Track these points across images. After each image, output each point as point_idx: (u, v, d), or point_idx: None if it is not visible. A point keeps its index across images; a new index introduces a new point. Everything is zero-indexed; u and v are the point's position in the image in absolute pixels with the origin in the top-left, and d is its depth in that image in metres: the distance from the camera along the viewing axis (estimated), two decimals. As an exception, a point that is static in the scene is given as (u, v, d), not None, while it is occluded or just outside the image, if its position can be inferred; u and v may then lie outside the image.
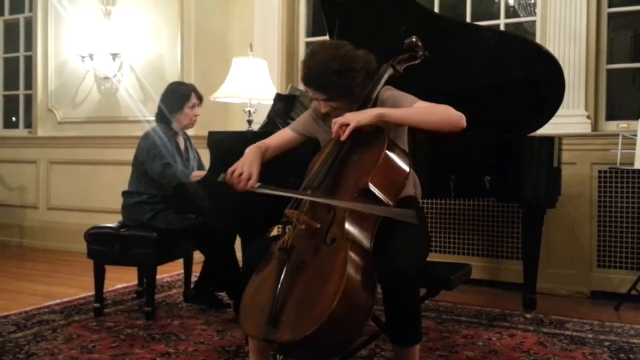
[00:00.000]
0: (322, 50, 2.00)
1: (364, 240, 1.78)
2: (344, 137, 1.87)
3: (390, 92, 2.06)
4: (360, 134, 1.89)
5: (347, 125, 1.86)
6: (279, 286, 1.66)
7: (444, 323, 3.08)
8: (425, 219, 2.41)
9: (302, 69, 2.03)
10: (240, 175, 1.96)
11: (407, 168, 1.92)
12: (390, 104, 2.02)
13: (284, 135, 2.24)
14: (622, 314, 3.34)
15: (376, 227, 1.84)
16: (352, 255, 1.67)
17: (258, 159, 2.03)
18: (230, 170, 2.00)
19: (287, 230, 1.83)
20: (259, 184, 1.96)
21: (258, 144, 2.14)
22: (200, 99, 3.34)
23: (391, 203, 1.85)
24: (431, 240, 4.02)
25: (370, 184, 1.81)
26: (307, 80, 2.01)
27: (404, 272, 1.77)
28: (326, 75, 1.95)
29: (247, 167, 1.98)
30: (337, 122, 1.90)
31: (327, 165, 1.91)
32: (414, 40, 2.15)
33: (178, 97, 3.27)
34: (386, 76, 2.08)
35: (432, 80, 2.50)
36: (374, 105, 2.04)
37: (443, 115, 1.92)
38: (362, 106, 2.02)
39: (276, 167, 2.16)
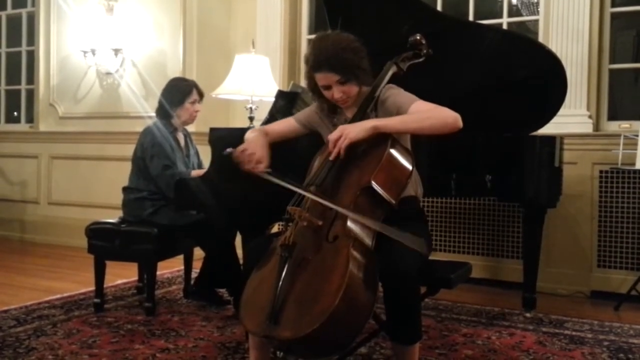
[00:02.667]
0: (327, 36, 2.03)
1: (366, 238, 1.78)
2: (340, 154, 1.85)
3: (391, 92, 2.06)
4: None
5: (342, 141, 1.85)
6: (280, 283, 1.65)
7: (443, 321, 3.08)
8: (427, 218, 2.41)
9: (311, 54, 2.01)
10: (252, 154, 1.94)
11: (409, 166, 1.91)
12: (389, 104, 2.01)
13: (286, 124, 2.24)
14: (621, 314, 3.34)
15: None
16: (354, 253, 1.66)
17: (267, 144, 2.02)
18: (240, 147, 1.97)
19: (288, 227, 1.83)
20: (268, 170, 1.94)
21: (259, 127, 2.12)
22: (201, 95, 3.34)
23: (393, 201, 1.85)
24: (434, 242, 4.03)
25: (373, 182, 1.80)
26: (318, 62, 1.98)
27: (406, 271, 1.77)
28: (337, 53, 1.95)
29: (258, 148, 1.96)
30: (331, 140, 1.87)
31: (330, 162, 1.91)
32: (418, 37, 2.14)
33: (179, 92, 3.27)
34: (389, 73, 2.07)
35: (433, 79, 2.50)
36: (376, 104, 2.04)
37: (437, 118, 1.90)
38: (365, 103, 2.02)
39: (275, 163, 2.15)
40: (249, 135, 2.12)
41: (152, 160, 3.14)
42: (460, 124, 1.91)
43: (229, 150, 1.97)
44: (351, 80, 1.99)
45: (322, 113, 2.20)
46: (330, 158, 1.88)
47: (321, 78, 2.01)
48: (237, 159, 1.96)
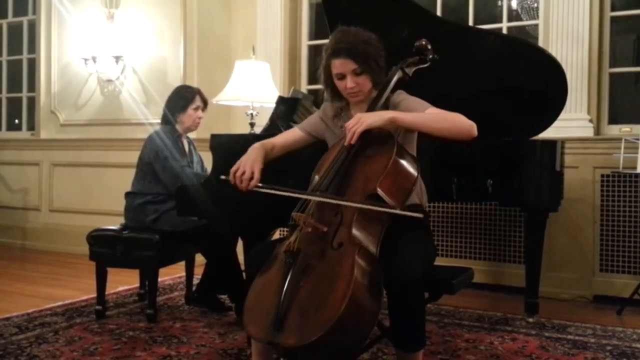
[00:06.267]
0: (350, 29, 2.06)
1: (371, 245, 1.78)
2: (353, 140, 1.87)
3: (403, 97, 2.06)
4: (369, 137, 1.89)
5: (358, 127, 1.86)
6: (284, 289, 1.65)
7: (445, 327, 3.08)
8: (430, 226, 2.41)
9: (331, 42, 2.03)
10: (242, 174, 1.97)
11: (415, 173, 1.91)
12: (401, 108, 2.01)
13: (291, 134, 2.24)
14: (624, 318, 3.33)
15: (383, 232, 1.83)
16: (359, 260, 1.66)
17: (260, 158, 2.03)
18: (233, 169, 2.00)
19: (293, 233, 1.83)
20: (260, 184, 1.96)
21: (263, 142, 2.14)
22: (204, 102, 3.36)
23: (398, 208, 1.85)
24: (437, 248, 4.02)
25: (378, 189, 1.80)
26: (338, 49, 1.99)
27: (411, 279, 1.76)
28: (358, 43, 1.99)
29: (248, 166, 1.98)
30: (347, 127, 1.89)
31: (335, 167, 1.90)
32: (424, 43, 2.14)
33: (182, 98, 3.30)
34: (395, 78, 2.06)
35: (434, 84, 2.50)
36: (387, 107, 2.03)
37: (455, 122, 1.92)
38: (372, 106, 2.01)
39: (277, 169, 2.15)
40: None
41: (167, 161, 3.16)
42: (475, 132, 1.91)
43: (223, 177, 2.01)
44: (366, 72, 2.00)
45: (327, 118, 2.20)
46: (345, 143, 1.89)
47: (338, 65, 2.01)
48: (231, 182, 1.98)
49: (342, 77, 2.03)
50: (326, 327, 1.53)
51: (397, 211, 1.78)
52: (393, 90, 2.07)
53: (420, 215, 1.75)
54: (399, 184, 1.86)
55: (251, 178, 1.96)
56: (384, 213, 1.82)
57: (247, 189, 1.96)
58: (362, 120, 1.86)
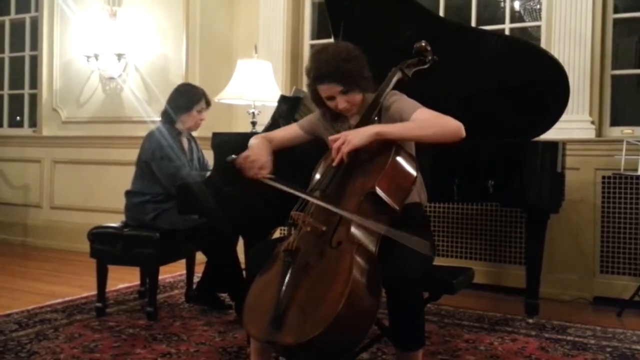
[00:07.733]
0: (325, 48, 2.04)
1: (369, 244, 1.78)
2: (345, 159, 1.84)
3: (394, 98, 2.06)
4: None
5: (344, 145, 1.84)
6: (283, 288, 1.65)
7: (446, 327, 3.08)
8: (430, 224, 2.41)
9: (312, 67, 2.01)
10: (253, 161, 1.97)
11: (414, 172, 1.91)
12: (392, 110, 2.01)
13: (289, 130, 2.25)
14: (624, 320, 3.33)
15: None
16: (358, 258, 1.66)
17: (270, 149, 2.05)
18: (243, 154, 2.00)
19: (292, 232, 1.83)
20: (271, 175, 1.96)
21: (262, 134, 2.14)
22: (208, 104, 3.36)
23: (397, 207, 1.85)
24: (436, 246, 4.02)
25: (377, 188, 1.80)
26: (320, 75, 1.98)
27: (410, 278, 1.77)
28: (338, 64, 1.95)
29: (262, 155, 1.99)
30: (334, 146, 1.86)
31: (334, 167, 1.90)
32: (423, 44, 2.14)
33: (188, 99, 3.29)
34: (394, 79, 2.07)
35: (436, 84, 2.50)
36: (380, 110, 2.04)
37: (440, 127, 1.90)
38: (370, 110, 2.02)
39: (279, 168, 2.15)
40: (252, 141, 2.13)
41: (162, 161, 3.15)
42: (462, 133, 1.91)
43: (232, 157, 1.99)
44: (354, 89, 2.00)
45: (325, 120, 2.20)
46: (333, 164, 1.88)
47: (324, 90, 2.02)
48: (240, 166, 1.98)
49: (331, 98, 2.03)
50: (324, 325, 1.53)
51: (399, 239, 1.73)
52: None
53: (424, 252, 1.74)
54: (397, 183, 1.87)
55: (261, 167, 1.97)
56: (383, 212, 1.82)
57: (256, 177, 1.96)
58: (347, 140, 1.84)
